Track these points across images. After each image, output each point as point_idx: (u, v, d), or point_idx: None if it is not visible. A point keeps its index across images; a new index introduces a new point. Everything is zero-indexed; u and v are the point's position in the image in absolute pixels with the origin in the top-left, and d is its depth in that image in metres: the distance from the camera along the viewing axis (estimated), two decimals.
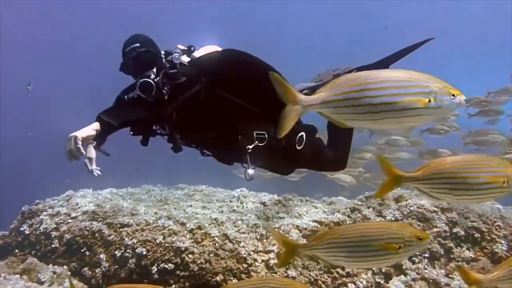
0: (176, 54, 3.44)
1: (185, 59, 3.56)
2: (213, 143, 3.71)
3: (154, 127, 3.61)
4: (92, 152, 3.03)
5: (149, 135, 3.63)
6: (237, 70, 3.52)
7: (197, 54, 3.66)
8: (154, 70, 3.38)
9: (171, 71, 3.40)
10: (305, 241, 5.02)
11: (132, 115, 3.32)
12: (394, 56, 4.32)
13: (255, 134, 3.63)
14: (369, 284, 4.53)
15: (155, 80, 3.32)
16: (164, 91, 3.32)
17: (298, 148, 3.80)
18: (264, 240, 5.04)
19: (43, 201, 5.70)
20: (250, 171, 3.71)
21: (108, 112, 3.20)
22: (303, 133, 3.83)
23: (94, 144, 3.09)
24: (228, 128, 3.63)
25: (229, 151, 3.76)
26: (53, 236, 5.11)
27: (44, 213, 5.38)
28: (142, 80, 3.30)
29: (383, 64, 4.61)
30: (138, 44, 3.38)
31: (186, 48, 3.59)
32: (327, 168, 4.45)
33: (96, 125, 3.07)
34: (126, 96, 3.37)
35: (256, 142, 3.62)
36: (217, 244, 4.90)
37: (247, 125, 3.64)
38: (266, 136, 3.65)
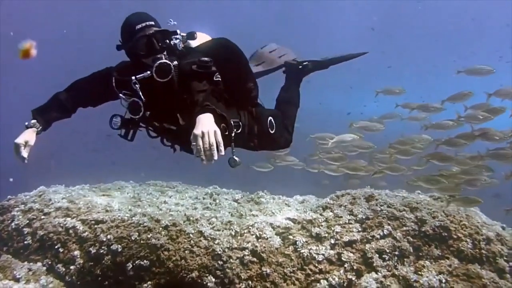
0: (178, 39, 3.46)
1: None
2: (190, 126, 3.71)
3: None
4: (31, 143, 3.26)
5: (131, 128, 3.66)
6: (229, 60, 3.60)
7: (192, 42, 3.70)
8: (165, 52, 3.37)
9: (203, 58, 3.36)
10: (279, 238, 5.12)
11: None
12: (335, 59, 4.75)
13: (232, 122, 3.73)
14: (341, 281, 4.64)
15: (173, 63, 3.33)
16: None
17: (271, 132, 4.02)
18: (239, 237, 5.11)
19: (15, 196, 5.60)
20: (236, 158, 3.81)
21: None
22: (271, 117, 4.04)
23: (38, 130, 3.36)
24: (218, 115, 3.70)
25: None
26: (25, 232, 5.04)
27: (16, 209, 5.29)
28: (162, 61, 3.27)
29: (324, 64, 4.97)
30: (152, 23, 3.35)
31: (185, 35, 3.58)
32: (283, 146, 4.58)
33: (31, 131, 3.32)
34: (134, 77, 3.30)
35: (235, 129, 3.72)
36: (192, 241, 4.95)
37: (227, 112, 3.74)
38: (240, 123, 3.76)
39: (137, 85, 3.33)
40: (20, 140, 3.25)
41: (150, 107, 3.46)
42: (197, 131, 2.75)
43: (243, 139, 3.87)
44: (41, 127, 3.41)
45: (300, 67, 4.90)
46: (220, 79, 3.41)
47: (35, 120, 3.39)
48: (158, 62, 3.26)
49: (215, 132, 2.75)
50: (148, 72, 3.27)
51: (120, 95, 3.46)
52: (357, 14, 26.42)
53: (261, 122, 3.97)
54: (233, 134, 3.67)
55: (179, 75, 3.38)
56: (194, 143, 2.73)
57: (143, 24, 3.30)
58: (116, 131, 3.60)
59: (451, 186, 5.80)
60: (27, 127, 3.35)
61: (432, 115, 7.32)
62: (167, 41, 3.41)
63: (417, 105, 7.37)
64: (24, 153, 3.21)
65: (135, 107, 3.42)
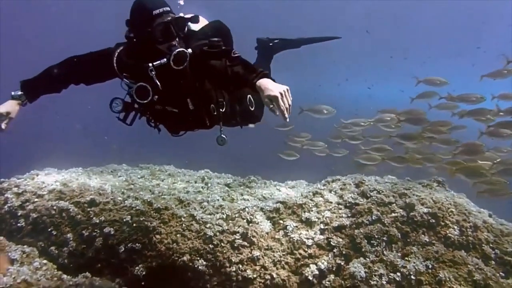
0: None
1: None
2: (198, 109, 3.83)
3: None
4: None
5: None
6: (223, 42, 3.63)
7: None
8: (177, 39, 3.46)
9: (213, 39, 3.47)
10: (269, 223, 5.19)
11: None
12: (307, 40, 4.89)
13: (219, 101, 3.87)
14: (330, 266, 4.72)
15: (189, 51, 3.41)
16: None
17: (252, 109, 4.16)
18: (230, 221, 5.17)
19: (8, 179, 5.61)
20: (224, 136, 3.96)
21: None
22: (249, 95, 4.15)
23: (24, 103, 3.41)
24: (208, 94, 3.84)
25: (205, 117, 3.90)
26: (19, 215, 5.07)
27: (9, 191, 5.31)
28: (179, 50, 3.35)
29: (295, 43, 5.09)
30: (168, 8, 3.38)
31: (189, 18, 3.62)
32: (260, 120, 4.69)
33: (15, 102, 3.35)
34: (151, 64, 3.36)
35: (220, 109, 3.85)
36: (184, 225, 5.01)
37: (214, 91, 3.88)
38: (224, 102, 3.89)
39: (153, 72, 3.39)
40: (2, 109, 3.24)
41: (159, 92, 3.52)
42: (273, 93, 2.87)
43: (227, 117, 3.98)
44: (26, 101, 3.43)
45: (271, 44, 5.00)
46: (239, 54, 3.44)
47: (21, 93, 3.39)
48: (176, 50, 3.33)
49: (288, 90, 2.92)
50: (165, 59, 3.33)
51: (125, 79, 3.52)
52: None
53: (241, 100, 4.11)
54: (221, 113, 3.81)
55: (191, 60, 3.45)
56: (272, 105, 2.89)
57: (161, 10, 3.31)
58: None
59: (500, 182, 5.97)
60: (12, 98, 3.35)
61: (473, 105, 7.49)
62: (182, 28, 3.49)
63: (457, 96, 7.52)
64: (3, 124, 3.22)
65: (142, 92, 3.48)
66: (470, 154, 6.89)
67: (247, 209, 5.34)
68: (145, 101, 3.49)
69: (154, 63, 3.35)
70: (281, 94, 2.86)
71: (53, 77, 3.54)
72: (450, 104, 7.90)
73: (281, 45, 5.11)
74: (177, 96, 3.64)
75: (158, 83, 3.42)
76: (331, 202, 5.45)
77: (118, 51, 3.53)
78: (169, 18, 3.32)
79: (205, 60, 3.46)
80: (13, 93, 3.37)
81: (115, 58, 3.49)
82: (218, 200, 5.68)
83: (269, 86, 2.93)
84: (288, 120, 2.90)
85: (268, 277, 4.63)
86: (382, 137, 8.21)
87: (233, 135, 4.16)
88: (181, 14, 3.62)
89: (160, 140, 4.91)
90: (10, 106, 3.29)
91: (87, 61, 3.59)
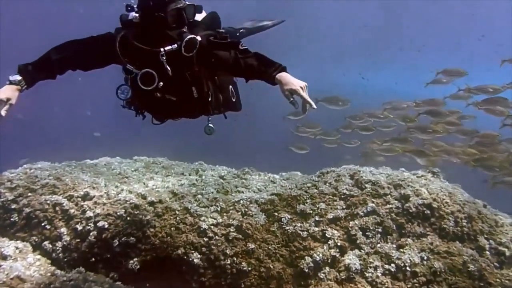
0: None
1: None
2: (201, 98, 3.85)
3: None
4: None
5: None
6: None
7: None
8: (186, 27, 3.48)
9: (220, 30, 3.66)
10: (264, 215, 5.17)
11: None
12: (261, 28, 5.47)
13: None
14: (325, 257, 4.71)
15: (200, 39, 3.44)
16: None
17: (233, 100, 4.21)
18: (224, 214, 5.15)
19: (0, 174, 5.56)
20: (211, 125, 4.12)
21: None
22: (230, 86, 4.20)
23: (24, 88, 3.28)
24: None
25: (207, 105, 3.92)
26: (12, 209, 5.01)
27: (2, 186, 5.24)
28: (191, 36, 3.38)
29: (254, 31, 5.33)
30: None
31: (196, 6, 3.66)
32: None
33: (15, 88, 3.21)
34: (163, 49, 3.36)
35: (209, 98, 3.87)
36: (178, 218, 4.99)
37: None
38: (210, 92, 3.88)
39: (164, 58, 3.39)
40: (1, 95, 3.11)
41: (165, 79, 3.52)
42: (295, 86, 3.11)
43: (212, 107, 3.98)
44: (26, 86, 3.29)
45: (238, 34, 5.08)
46: (246, 47, 3.53)
47: (21, 78, 3.26)
48: (187, 37, 3.36)
49: (307, 86, 3.16)
50: (176, 45, 3.35)
51: (128, 65, 3.49)
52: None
53: (224, 90, 4.10)
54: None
55: (198, 48, 3.47)
56: (292, 98, 3.13)
57: None
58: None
59: None
60: (11, 83, 3.22)
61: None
62: (193, 15, 3.51)
63: (475, 88, 7.54)
64: (3, 111, 3.08)
65: (148, 78, 3.47)
66: (485, 145, 6.95)
67: (241, 202, 5.32)
68: (150, 88, 3.47)
69: (166, 49, 3.35)
70: (301, 88, 3.09)
71: (51, 61, 3.44)
72: (464, 95, 7.93)
73: (245, 34, 5.21)
74: (182, 84, 3.64)
75: (169, 69, 3.43)
76: (326, 194, 5.43)
77: (120, 35, 3.48)
78: (181, 5, 3.34)
79: (211, 50, 3.51)
80: (11, 77, 3.22)
81: (117, 43, 3.45)
82: (212, 192, 5.65)
83: (291, 80, 3.15)
84: (314, 107, 3.13)
85: (263, 269, 4.62)
86: (392, 127, 8.23)
87: (225, 127, 4.21)
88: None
89: (152, 131, 4.89)
90: (10, 92, 3.15)
91: (87, 45, 3.53)
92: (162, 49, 3.35)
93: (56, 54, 3.46)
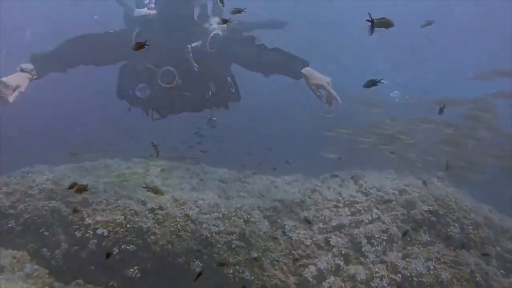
0: None
1: None
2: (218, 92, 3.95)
3: None
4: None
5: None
6: None
7: None
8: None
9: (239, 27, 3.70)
10: (267, 222, 5.08)
11: None
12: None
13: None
14: (329, 266, 4.63)
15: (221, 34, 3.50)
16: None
17: (232, 91, 4.18)
18: (226, 221, 5.05)
19: None
20: (214, 118, 4.16)
21: None
22: (229, 77, 4.13)
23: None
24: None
25: (200, 100, 3.95)
26: (9, 215, 4.90)
27: None
28: (216, 32, 3.45)
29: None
30: None
31: None
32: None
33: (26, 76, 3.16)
34: (189, 46, 3.39)
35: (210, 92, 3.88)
36: (179, 225, 4.88)
37: None
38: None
39: (190, 54, 3.41)
40: (11, 81, 3.02)
41: (185, 75, 3.55)
42: (321, 81, 3.18)
43: (212, 100, 4.00)
44: (36, 76, 3.25)
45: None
46: (262, 42, 3.60)
47: (33, 67, 3.21)
48: (213, 32, 3.42)
49: (330, 81, 3.22)
50: (200, 41, 3.41)
51: (147, 63, 3.50)
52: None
53: (222, 83, 4.06)
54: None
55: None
56: (319, 92, 3.20)
57: None
58: None
59: None
60: (22, 70, 3.17)
61: None
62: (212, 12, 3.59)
63: None
64: (11, 97, 2.99)
65: (168, 75, 3.49)
66: None
67: (243, 208, 5.22)
68: (170, 85, 3.49)
69: (193, 45, 3.34)
70: (327, 83, 3.16)
71: (65, 55, 3.44)
72: None
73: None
74: (201, 79, 3.64)
75: (196, 65, 3.45)
76: (329, 200, 5.35)
77: (136, 32, 3.44)
78: (204, 1, 3.42)
79: (231, 45, 3.57)
80: (22, 65, 3.18)
81: (134, 39, 3.41)
82: (213, 197, 5.54)
83: (316, 75, 3.22)
84: (332, 105, 3.21)
85: (266, 278, 4.53)
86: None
87: (225, 126, 4.24)
88: None
89: (152, 131, 4.82)
90: (21, 79, 3.10)
91: (102, 41, 3.54)
92: (188, 46, 3.34)
93: (70, 48, 3.47)
